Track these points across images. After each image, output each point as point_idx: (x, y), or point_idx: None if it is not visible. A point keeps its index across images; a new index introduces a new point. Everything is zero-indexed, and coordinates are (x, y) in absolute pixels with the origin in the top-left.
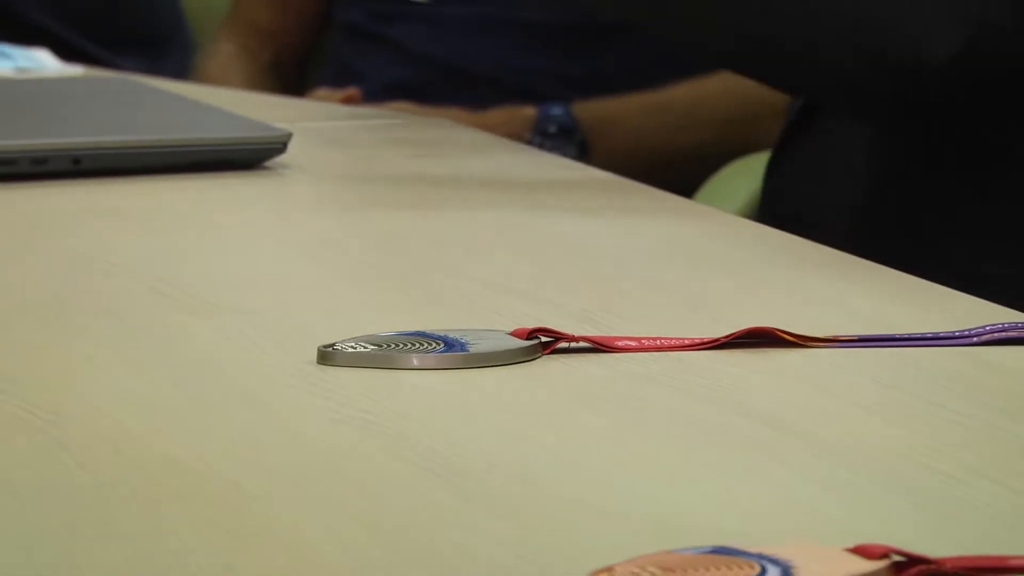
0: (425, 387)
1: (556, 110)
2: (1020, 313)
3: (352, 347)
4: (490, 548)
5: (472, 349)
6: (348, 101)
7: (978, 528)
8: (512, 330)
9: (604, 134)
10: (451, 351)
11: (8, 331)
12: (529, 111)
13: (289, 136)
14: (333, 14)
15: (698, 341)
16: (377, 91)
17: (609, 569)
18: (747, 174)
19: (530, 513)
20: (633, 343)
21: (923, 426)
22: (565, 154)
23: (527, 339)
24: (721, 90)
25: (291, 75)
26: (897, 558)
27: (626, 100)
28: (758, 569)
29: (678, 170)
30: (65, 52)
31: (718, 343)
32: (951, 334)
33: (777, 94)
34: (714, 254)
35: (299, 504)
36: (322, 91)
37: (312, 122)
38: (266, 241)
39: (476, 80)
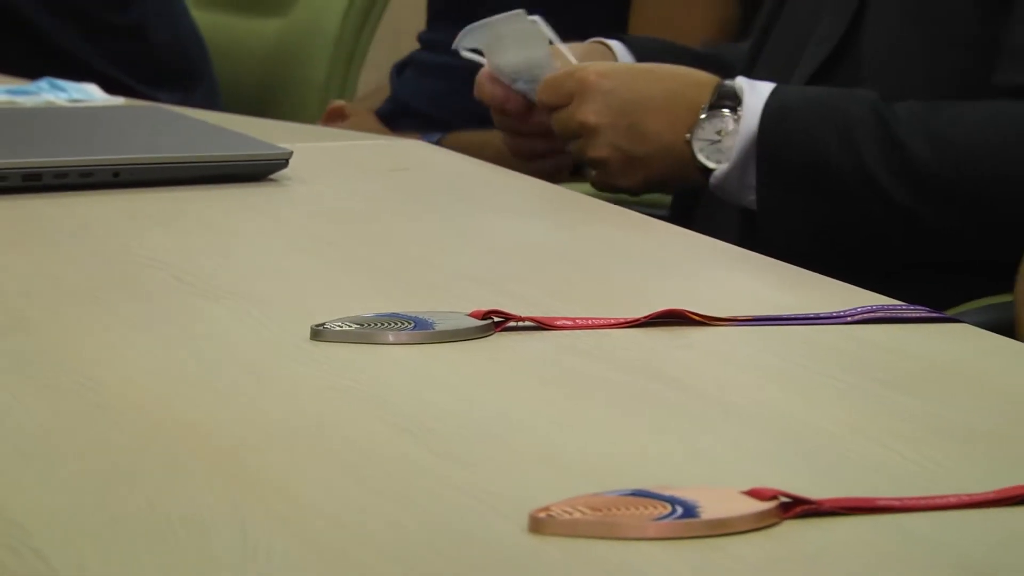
0: (399, 359)
1: (432, 137)
2: (887, 297)
3: (339, 326)
4: (452, 492)
5: (437, 327)
6: (332, 114)
7: (853, 476)
8: (470, 312)
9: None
10: (420, 329)
11: (59, 312)
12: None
13: (290, 154)
14: None
15: (622, 321)
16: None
17: (547, 508)
18: None
19: (485, 462)
20: (569, 322)
21: (808, 390)
22: None
23: (482, 319)
24: None
25: None
26: (784, 499)
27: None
28: (669, 508)
29: None
30: (109, 86)
31: (638, 322)
32: (831, 315)
33: None
34: (636, 250)
35: (294, 456)
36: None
37: (310, 143)
38: (269, 240)
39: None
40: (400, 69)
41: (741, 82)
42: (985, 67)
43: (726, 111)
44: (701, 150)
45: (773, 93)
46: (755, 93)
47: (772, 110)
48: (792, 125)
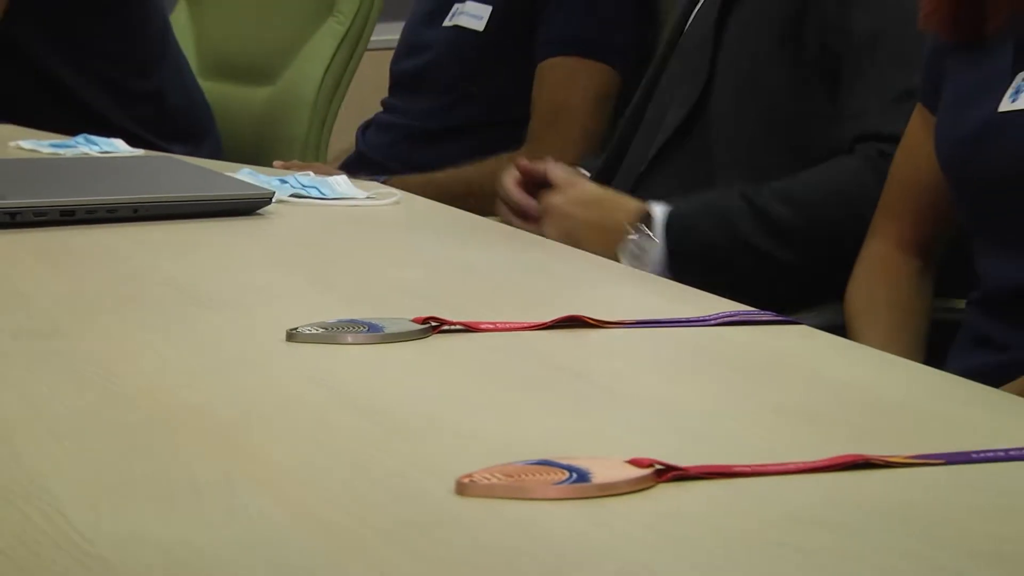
0: (356, 355)
1: (380, 178)
2: (743, 305)
3: (309, 330)
4: (396, 460)
5: (387, 330)
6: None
7: (713, 447)
8: (413, 318)
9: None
10: (373, 332)
11: (86, 320)
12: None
13: (272, 194)
14: None
15: (533, 324)
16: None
17: (470, 474)
18: None
19: (422, 437)
20: (491, 326)
21: (679, 379)
22: None
23: (423, 324)
24: (472, 176)
25: None
26: (658, 467)
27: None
28: (567, 474)
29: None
30: (133, 141)
31: (546, 325)
32: (699, 319)
33: None
34: (546, 268)
35: (272, 431)
36: (277, 163)
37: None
38: (255, 261)
39: (382, 164)
40: (364, 128)
41: (655, 208)
42: (806, 132)
43: (644, 234)
44: (628, 263)
45: (672, 214)
46: (663, 215)
47: (674, 231)
48: (691, 237)
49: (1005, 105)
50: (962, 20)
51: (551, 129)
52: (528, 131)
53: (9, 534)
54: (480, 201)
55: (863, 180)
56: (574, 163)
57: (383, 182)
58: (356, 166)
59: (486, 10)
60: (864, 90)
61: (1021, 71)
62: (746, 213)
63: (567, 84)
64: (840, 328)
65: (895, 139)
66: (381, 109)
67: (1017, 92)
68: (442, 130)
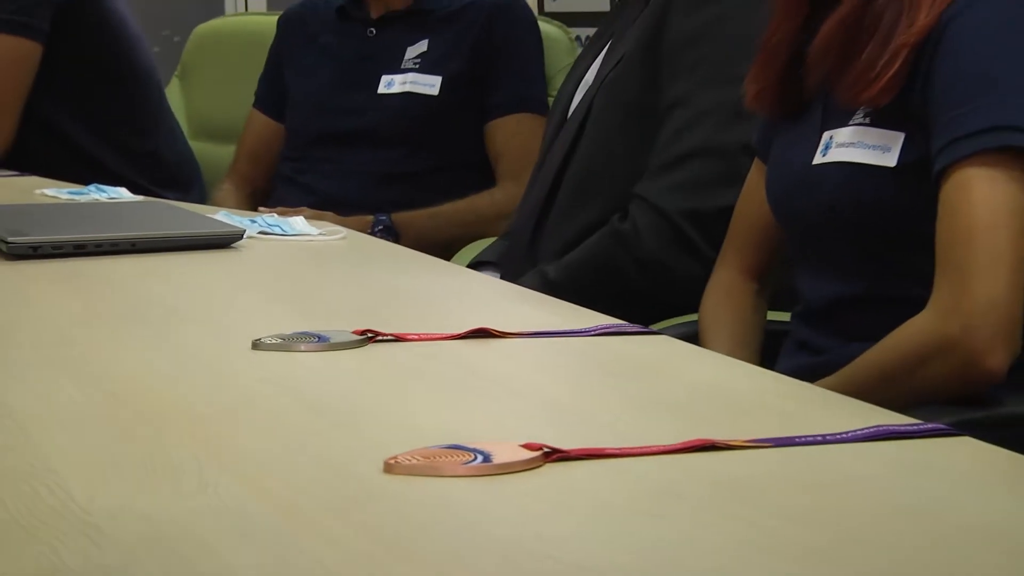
0: (307, 361)
1: (382, 217)
2: (616, 318)
3: (270, 340)
4: (336, 446)
5: (332, 340)
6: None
7: (590, 433)
8: (353, 330)
9: (406, 231)
10: (321, 342)
11: (93, 334)
12: (370, 217)
13: (244, 231)
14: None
15: (450, 335)
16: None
17: (395, 457)
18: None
19: (359, 427)
20: (416, 336)
21: (564, 378)
22: (387, 239)
23: (361, 335)
24: (466, 208)
25: (260, 200)
26: (546, 450)
27: (422, 213)
28: (473, 456)
29: (447, 248)
30: (135, 189)
31: (461, 336)
32: (581, 330)
33: None
34: (462, 291)
35: (237, 423)
36: (262, 208)
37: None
38: (229, 284)
39: (346, 202)
40: (288, 180)
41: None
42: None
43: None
44: None
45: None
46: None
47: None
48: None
49: (817, 159)
50: (784, 98)
51: (524, 172)
52: (500, 173)
53: (22, 505)
54: (478, 228)
55: (609, 251)
56: None
57: (387, 220)
58: (333, 207)
59: (437, 79)
60: (654, 154)
61: (827, 129)
62: (534, 280)
63: (531, 136)
64: (694, 337)
65: (643, 199)
66: (293, 160)
67: (826, 148)
68: (403, 174)
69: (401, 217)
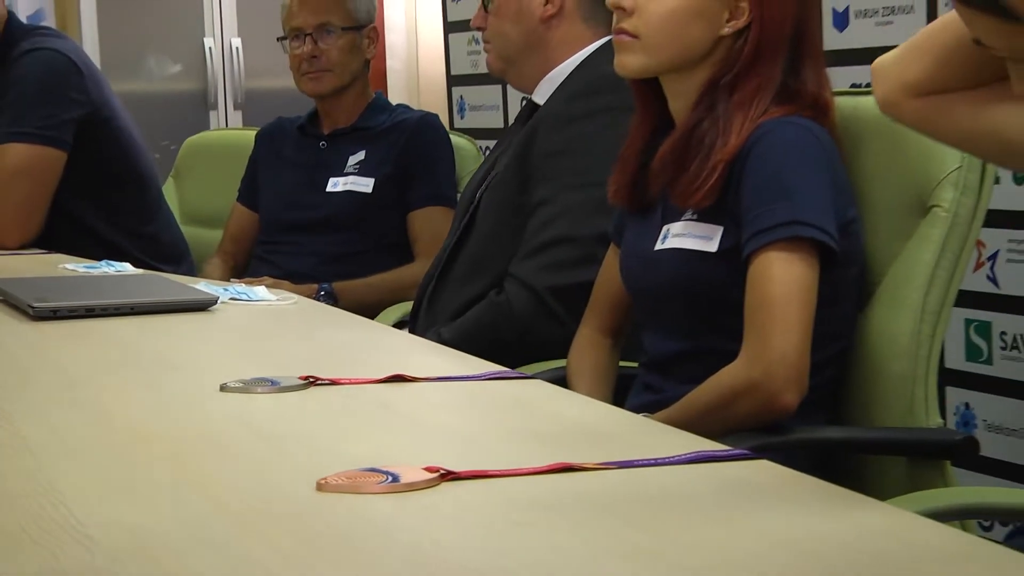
0: (262, 400)
1: (325, 285)
2: (500, 365)
3: (234, 384)
4: (278, 467)
5: (282, 384)
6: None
7: (480, 458)
8: (299, 376)
9: (344, 297)
10: (274, 385)
11: (95, 378)
12: (315, 286)
13: (217, 297)
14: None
15: (373, 379)
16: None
17: (325, 478)
18: (398, 310)
19: (298, 452)
20: (347, 380)
21: (461, 413)
22: (329, 303)
23: (305, 380)
24: (392, 279)
25: (240, 272)
26: (443, 471)
27: (357, 282)
28: (385, 477)
29: (376, 310)
30: (137, 264)
31: (382, 380)
32: (474, 375)
33: None
34: (381, 345)
35: (207, 450)
36: (233, 279)
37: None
38: (204, 340)
39: (304, 275)
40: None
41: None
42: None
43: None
44: None
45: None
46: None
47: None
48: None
49: (658, 245)
50: (635, 195)
51: (436, 251)
52: (417, 252)
53: (28, 519)
54: (400, 294)
55: (489, 318)
56: None
57: (328, 288)
58: (295, 279)
59: (371, 180)
60: (524, 242)
61: (666, 223)
62: (441, 336)
63: (442, 223)
64: (562, 381)
65: (516, 277)
66: (264, 243)
67: (664, 237)
68: (346, 254)
69: (340, 285)
